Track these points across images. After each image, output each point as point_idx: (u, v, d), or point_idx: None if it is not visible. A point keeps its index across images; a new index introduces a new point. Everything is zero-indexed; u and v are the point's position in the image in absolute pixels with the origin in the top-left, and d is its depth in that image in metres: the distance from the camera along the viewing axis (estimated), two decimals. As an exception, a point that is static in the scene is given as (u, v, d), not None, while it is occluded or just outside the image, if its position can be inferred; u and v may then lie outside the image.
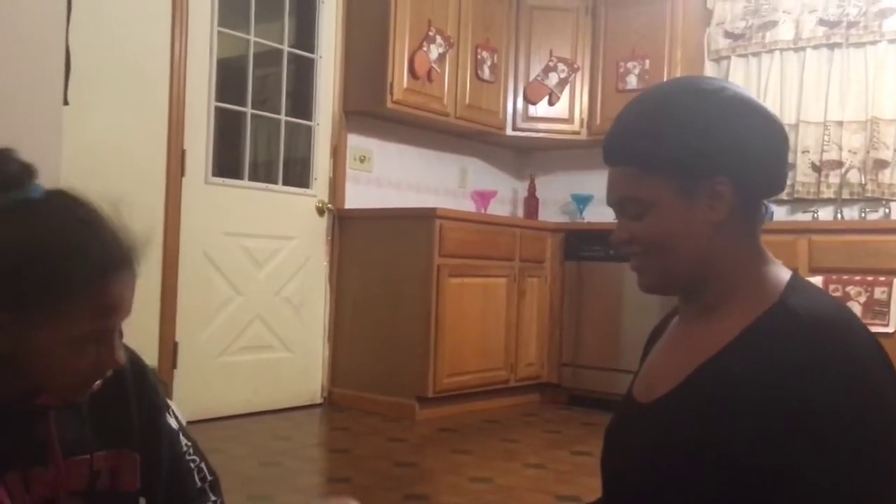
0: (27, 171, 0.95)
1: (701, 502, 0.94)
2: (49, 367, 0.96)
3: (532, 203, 5.44)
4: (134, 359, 1.13)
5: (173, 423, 1.20)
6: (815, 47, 4.59)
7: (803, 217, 4.57)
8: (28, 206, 0.94)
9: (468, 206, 5.13)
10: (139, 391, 1.14)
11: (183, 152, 3.73)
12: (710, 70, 4.93)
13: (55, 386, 1.00)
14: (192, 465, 1.21)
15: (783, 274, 1.05)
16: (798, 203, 4.65)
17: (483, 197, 5.14)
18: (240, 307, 3.96)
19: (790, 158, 4.61)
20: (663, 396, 1.03)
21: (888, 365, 0.95)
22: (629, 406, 1.12)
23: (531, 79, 5.05)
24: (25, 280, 0.91)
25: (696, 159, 1.01)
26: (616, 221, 1.10)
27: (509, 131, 5.06)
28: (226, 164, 4.06)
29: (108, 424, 1.10)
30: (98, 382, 1.02)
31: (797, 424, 0.89)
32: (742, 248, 1.04)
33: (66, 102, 2.00)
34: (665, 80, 4.65)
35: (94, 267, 0.94)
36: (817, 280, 3.94)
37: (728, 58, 4.88)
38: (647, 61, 4.84)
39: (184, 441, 1.21)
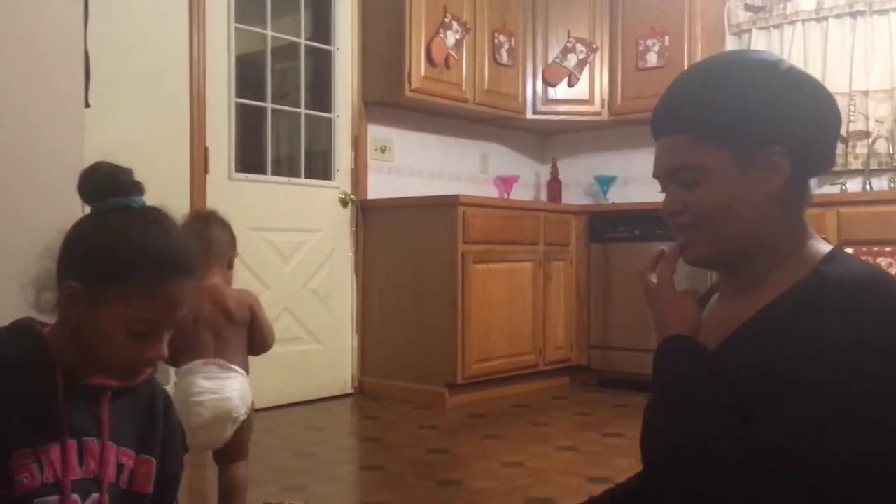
0: (136, 187, 1.17)
1: (739, 472, 0.94)
2: (106, 345, 1.11)
3: (555, 186, 5.42)
4: (165, 392, 1.31)
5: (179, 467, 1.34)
6: (838, 16, 4.51)
7: (831, 189, 4.50)
8: (128, 210, 1.15)
9: (491, 191, 5.13)
10: (167, 415, 1.29)
11: (206, 150, 3.77)
12: (731, 44, 4.87)
13: (108, 364, 1.14)
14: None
15: (824, 247, 1.05)
16: (826, 175, 4.58)
17: (505, 182, 5.13)
18: (268, 301, 3.96)
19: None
20: None
21: None
22: None
23: (549, 61, 5.02)
24: (107, 263, 1.10)
25: (754, 128, 1.00)
26: (664, 197, 1.09)
27: (529, 115, 5.04)
28: (248, 159, 4.09)
29: (138, 429, 1.24)
30: (146, 371, 1.19)
31: (816, 385, 0.89)
32: (790, 221, 1.04)
33: (87, 105, 2.03)
34: (697, 55, 4.62)
35: (162, 267, 1.11)
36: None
37: (749, 31, 4.81)
38: (667, 38, 4.79)
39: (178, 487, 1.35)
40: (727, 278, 1.11)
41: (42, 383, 1.12)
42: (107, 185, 1.15)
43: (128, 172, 1.18)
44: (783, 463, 0.90)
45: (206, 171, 3.76)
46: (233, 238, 2.17)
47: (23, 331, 1.16)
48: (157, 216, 1.15)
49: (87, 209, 1.18)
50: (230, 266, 2.19)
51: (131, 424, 1.23)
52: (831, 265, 0.99)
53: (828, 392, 0.89)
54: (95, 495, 1.16)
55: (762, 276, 1.04)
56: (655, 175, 1.10)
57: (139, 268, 1.09)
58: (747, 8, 4.81)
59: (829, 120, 1.05)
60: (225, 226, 2.16)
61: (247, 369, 2.15)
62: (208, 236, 2.09)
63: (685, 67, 4.86)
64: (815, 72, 4.56)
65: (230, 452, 2.08)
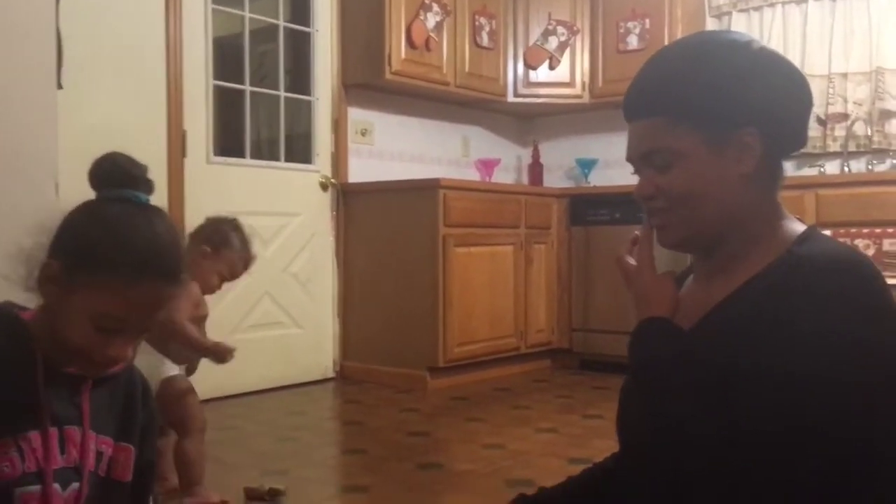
0: (146, 184, 1.16)
1: (713, 453, 0.94)
2: (70, 333, 1.09)
3: (536, 169, 5.42)
4: (143, 379, 1.29)
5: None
6: (818, -1, 4.53)
7: (810, 171, 4.53)
8: (127, 204, 1.13)
9: (472, 175, 5.11)
10: (145, 402, 1.27)
11: (183, 133, 3.72)
12: (711, 25, 4.87)
13: (71, 353, 1.11)
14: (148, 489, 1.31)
15: (798, 227, 1.05)
16: (804, 158, 4.60)
17: (486, 165, 5.12)
18: (248, 285, 3.96)
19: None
20: None
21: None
22: None
23: (531, 43, 5.01)
24: (88, 250, 1.08)
25: (727, 110, 1.00)
26: (637, 179, 1.09)
27: (510, 98, 5.02)
28: (227, 143, 4.05)
29: (117, 417, 1.23)
30: (109, 369, 1.16)
31: (786, 365, 0.89)
32: (764, 202, 1.04)
33: (59, 87, 1.99)
34: (677, 37, 4.61)
35: (142, 268, 1.08)
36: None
37: (729, 13, 4.81)
38: (648, 20, 4.78)
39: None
40: (702, 260, 1.11)
41: (21, 370, 1.10)
42: (115, 176, 1.14)
43: (141, 168, 1.16)
44: (757, 446, 0.90)
45: (183, 154, 3.72)
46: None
47: (1, 316, 1.14)
48: (153, 215, 1.13)
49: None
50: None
51: (110, 412, 1.21)
52: (805, 245, 0.99)
53: (799, 376, 0.89)
54: (76, 484, 1.15)
55: (736, 258, 1.04)
56: (629, 158, 1.09)
57: (118, 263, 1.07)
58: (728, -10, 4.81)
59: (801, 100, 1.06)
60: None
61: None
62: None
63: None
64: (794, 54, 4.57)
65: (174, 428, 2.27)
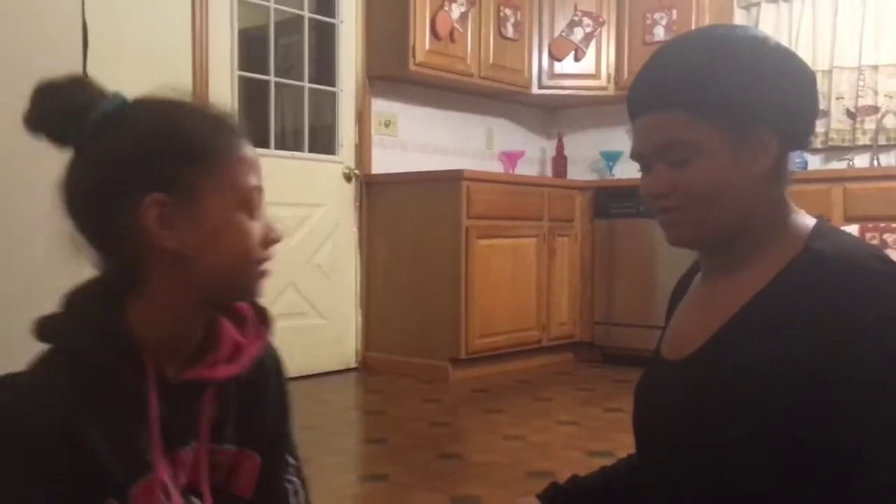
0: (91, 86, 0.95)
1: (743, 454, 0.93)
2: (225, 245, 0.91)
3: (560, 162, 5.39)
4: (273, 351, 1.09)
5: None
6: (849, -11, 4.46)
7: (838, 165, 4.47)
8: (126, 107, 0.94)
9: (495, 167, 5.11)
10: (278, 388, 1.08)
11: (209, 123, 3.75)
12: (739, 17, 4.81)
13: (235, 270, 0.93)
14: (289, 486, 1.11)
15: (808, 221, 1.03)
16: (832, 151, 4.55)
17: (510, 157, 5.11)
18: (272, 275, 3.99)
19: (823, 105, 4.51)
20: (696, 352, 1.02)
21: None
22: (659, 365, 1.11)
23: (556, 35, 4.98)
24: (170, 155, 0.90)
25: (747, 107, 0.98)
26: (642, 175, 1.05)
27: (535, 90, 5.00)
28: (251, 133, 4.03)
29: (242, 420, 1.02)
30: (266, 276, 0.98)
31: (838, 367, 0.87)
32: (775, 199, 1.03)
33: (85, 76, 2.01)
34: (691, 28, 4.57)
35: (222, 130, 0.94)
36: (853, 229, 3.86)
37: (758, 4, 4.75)
38: (675, 11, 4.74)
39: (291, 459, 1.14)
40: (710, 258, 1.08)
41: (129, 396, 0.88)
42: (86, 97, 0.94)
43: (83, 78, 0.97)
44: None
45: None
46: None
47: (99, 318, 0.89)
48: (170, 95, 0.97)
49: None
50: None
51: (231, 416, 1.00)
52: (823, 241, 0.97)
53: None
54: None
55: (749, 255, 1.02)
56: (638, 153, 1.04)
57: (215, 139, 0.92)
58: (756, -19, 4.75)
59: (812, 98, 1.04)
60: None
61: None
62: None
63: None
64: (824, 46, 4.51)
65: None
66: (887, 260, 0.94)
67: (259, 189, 0.95)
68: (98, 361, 0.88)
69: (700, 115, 0.98)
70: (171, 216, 0.88)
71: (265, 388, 1.05)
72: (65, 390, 0.85)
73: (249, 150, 0.96)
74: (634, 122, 1.04)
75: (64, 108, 0.92)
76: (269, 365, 1.06)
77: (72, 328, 0.89)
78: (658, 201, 1.03)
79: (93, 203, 0.90)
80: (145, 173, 0.89)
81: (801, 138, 1.04)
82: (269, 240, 0.96)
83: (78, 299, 0.92)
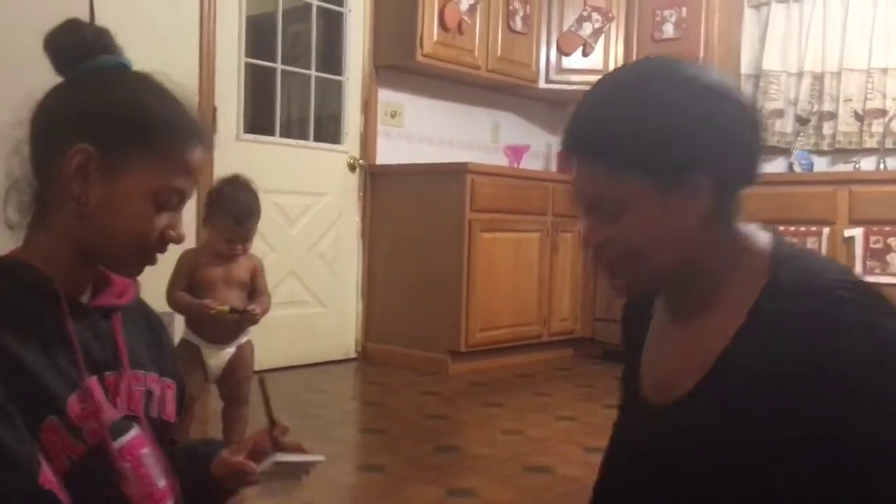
0: (121, 50, 1.02)
1: (747, 494, 0.92)
2: (126, 220, 0.96)
3: (565, 157, 5.36)
4: (153, 310, 1.17)
5: None
6: (860, -9, 4.43)
7: (844, 168, 4.45)
8: (133, 72, 1.01)
9: (500, 160, 5.09)
10: (164, 332, 1.16)
11: (214, 109, 3.74)
12: (749, 17, 4.79)
13: (121, 246, 0.97)
14: None
15: (765, 244, 1.00)
16: (839, 153, 4.53)
17: (515, 151, 5.09)
18: (273, 263, 3.98)
19: (831, 107, 4.49)
20: (686, 395, 0.99)
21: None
22: (643, 409, 1.08)
23: (564, 29, 4.96)
24: (134, 123, 0.95)
25: (674, 156, 0.94)
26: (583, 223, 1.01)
27: (542, 84, 4.99)
28: (257, 120, 4.06)
29: (150, 349, 1.10)
30: (147, 264, 1.02)
31: (831, 400, 0.86)
32: (725, 237, 0.99)
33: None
34: (714, 27, 4.55)
35: (189, 133, 0.98)
36: (857, 232, 3.86)
37: (768, 4, 4.72)
38: (684, 9, 4.72)
39: None
40: (673, 300, 1.05)
41: (47, 321, 0.94)
42: (97, 45, 1.00)
43: (110, 34, 1.03)
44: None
45: (213, 131, 3.74)
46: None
47: (9, 269, 0.95)
48: (164, 81, 1.01)
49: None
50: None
51: (142, 345, 1.08)
52: (785, 271, 0.95)
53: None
54: (129, 434, 0.99)
55: (712, 296, 0.99)
56: (574, 202, 1.01)
57: (170, 130, 0.96)
58: (767, -20, 4.73)
59: (750, 136, 0.99)
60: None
61: None
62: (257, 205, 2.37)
63: (701, 40, 4.74)
64: (833, 48, 4.49)
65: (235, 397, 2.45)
66: (851, 283, 0.92)
67: (180, 193, 0.98)
68: (10, 286, 0.93)
69: (624, 169, 0.94)
70: (90, 170, 0.94)
71: (157, 324, 1.14)
72: None
73: (196, 157, 0.99)
74: (572, 167, 1.01)
75: (75, 44, 0.99)
76: (152, 311, 1.16)
77: None
78: (597, 252, 1.00)
79: (46, 127, 0.97)
80: (93, 125, 0.95)
81: (743, 177, 0.99)
82: (167, 235, 0.99)
83: None
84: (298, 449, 1.11)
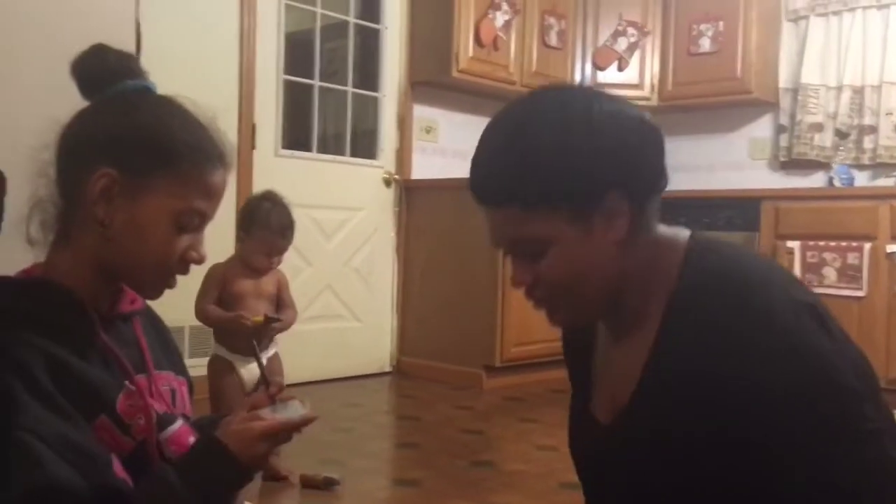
0: (145, 74, 1.05)
1: (693, 499, 0.93)
2: (148, 243, 0.98)
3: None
4: (155, 313, 1.20)
5: None
6: (901, 3, 4.37)
7: (886, 182, 4.38)
8: (156, 96, 1.03)
9: (535, 175, 5.08)
10: (170, 333, 1.20)
11: (253, 126, 3.80)
12: (787, 31, 4.75)
13: (144, 268, 1.00)
14: None
15: (679, 241, 0.99)
16: (880, 168, 4.46)
17: (550, 166, 5.08)
18: (310, 277, 4.04)
19: (871, 121, 4.42)
20: (620, 415, 1.00)
21: (804, 307, 0.89)
22: (590, 424, 1.08)
23: (600, 44, 4.96)
24: (156, 146, 0.97)
25: (582, 185, 0.93)
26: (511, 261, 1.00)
27: (577, 99, 4.97)
28: (295, 136, 4.12)
29: (164, 351, 1.14)
30: (168, 287, 1.04)
31: (746, 403, 0.86)
32: (646, 251, 0.98)
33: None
34: (752, 40, 4.51)
35: (211, 155, 1.01)
36: (900, 247, 3.79)
37: (806, 17, 4.68)
38: (721, 23, 4.69)
39: None
40: (608, 320, 1.05)
41: (84, 336, 0.97)
42: (122, 69, 1.02)
43: (135, 58, 1.07)
44: None
45: (252, 146, 3.80)
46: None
47: (36, 286, 0.98)
48: (189, 104, 1.04)
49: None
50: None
51: (157, 347, 1.12)
52: (691, 273, 0.94)
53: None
54: (175, 426, 1.05)
55: (635, 312, 0.99)
56: (495, 244, 1.00)
57: (192, 152, 0.99)
58: (806, -7, 4.68)
59: (650, 144, 0.98)
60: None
61: None
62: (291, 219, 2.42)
63: (738, 54, 4.69)
64: (874, 61, 4.42)
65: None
66: (755, 282, 0.91)
67: (202, 215, 1.01)
68: (40, 302, 0.96)
69: (533, 208, 0.93)
70: (114, 193, 0.96)
71: (163, 327, 1.18)
72: (28, 325, 0.93)
73: (218, 179, 1.02)
74: (484, 211, 0.99)
75: (101, 69, 1.02)
76: (156, 315, 1.20)
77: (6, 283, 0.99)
78: (527, 292, 0.99)
79: (71, 151, 1.00)
80: (117, 149, 0.97)
81: (654, 186, 0.99)
82: (188, 257, 1.02)
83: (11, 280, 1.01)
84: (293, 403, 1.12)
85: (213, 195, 1.01)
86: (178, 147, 0.98)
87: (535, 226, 0.94)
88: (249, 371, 2.41)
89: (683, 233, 1.01)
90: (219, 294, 2.42)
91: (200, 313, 2.40)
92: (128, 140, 0.98)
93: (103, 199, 0.96)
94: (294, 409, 1.05)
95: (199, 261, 1.03)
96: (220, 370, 2.41)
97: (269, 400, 1.10)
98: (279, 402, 1.08)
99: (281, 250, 2.45)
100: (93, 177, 0.96)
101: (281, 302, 2.52)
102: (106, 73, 1.01)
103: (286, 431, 1.03)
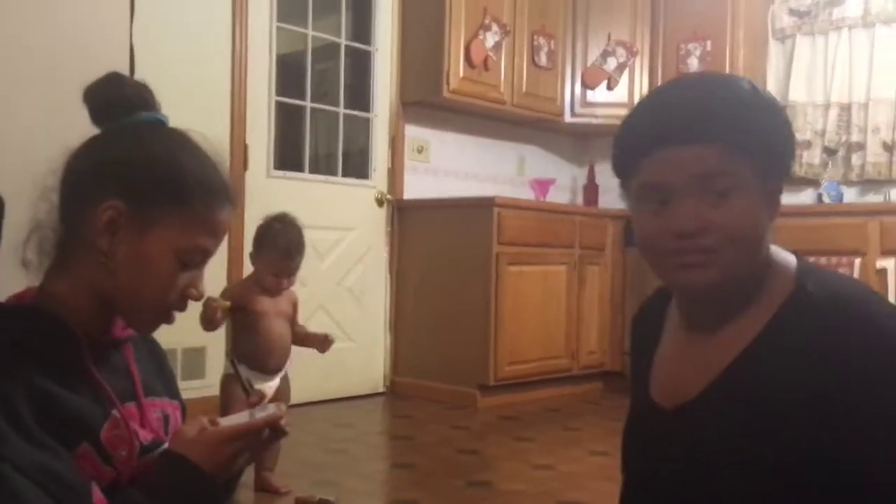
0: (158, 105, 1.04)
1: (752, 500, 0.92)
2: (150, 278, 0.97)
3: (591, 190, 5.38)
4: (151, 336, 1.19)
5: None
6: (886, 23, 4.43)
7: (874, 198, 4.42)
8: (168, 129, 1.02)
9: (527, 194, 5.11)
10: (165, 357, 1.19)
11: (245, 147, 3.81)
12: (774, 50, 4.80)
13: (143, 302, 0.99)
14: None
15: (789, 256, 1.00)
16: (868, 184, 4.50)
17: (541, 185, 5.11)
18: (303, 297, 3.96)
19: (859, 138, 4.47)
20: (694, 400, 0.99)
21: None
22: (652, 412, 1.07)
23: (589, 64, 5.00)
24: (167, 182, 0.97)
25: (776, 153, 0.96)
26: (655, 211, 0.96)
27: (567, 118, 5.02)
28: (287, 157, 4.12)
29: (157, 374, 1.12)
30: (165, 322, 1.04)
31: (837, 417, 0.86)
32: (766, 249, 0.98)
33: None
34: (739, 61, 4.56)
35: (218, 193, 1.00)
36: (890, 262, 3.81)
37: (793, 36, 4.73)
38: (709, 42, 4.74)
39: None
40: (695, 310, 1.03)
41: (71, 362, 0.96)
42: (137, 100, 1.02)
43: (150, 90, 1.05)
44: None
45: (245, 167, 3.80)
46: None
47: (28, 314, 0.97)
48: (198, 140, 1.03)
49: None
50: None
51: (150, 372, 1.11)
52: (811, 281, 0.95)
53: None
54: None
55: (737, 307, 0.98)
56: (664, 183, 0.94)
57: (201, 189, 0.98)
58: (792, 13, 4.74)
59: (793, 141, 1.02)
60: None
61: None
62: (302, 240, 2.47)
63: (726, 72, 4.76)
64: (860, 80, 4.48)
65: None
66: (874, 299, 0.92)
67: (204, 252, 1.00)
68: (31, 329, 0.95)
69: (742, 154, 0.93)
70: (119, 225, 0.96)
71: (158, 350, 1.16)
72: (14, 354, 0.92)
73: (224, 217, 1.01)
74: (656, 153, 0.95)
75: (116, 98, 1.02)
76: (151, 338, 1.17)
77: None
78: (688, 240, 0.93)
79: (78, 178, 0.99)
80: (126, 181, 0.96)
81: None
82: (188, 293, 1.01)
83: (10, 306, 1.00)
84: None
85: (219, 233, 1.01)
86: (189, 183, 0.97)
87: (734, 167, 0.93)
88: (265, 390, 2.41)
89: (786, 251, 1.02)
90: (239, 313, 2.43)
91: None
92: (138, 173, 0.97)
93: (108, 231, 0.95)
94: (269, 412, 1.03)
95: (198, 298, 1.03)
96: (234, 390, 2.40)
97: (249, 407, 1.08)
98: (257, 408, 1.06)
99: (289, 272, 2.48)
100: (99, 208, 0.95)
101: (294, 322, 2.59)
102: (121, 103, 1.01)
103: (252, 430, 0.99)
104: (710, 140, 0.93)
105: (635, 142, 0.98)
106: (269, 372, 2.46)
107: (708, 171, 0.92)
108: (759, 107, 0.96)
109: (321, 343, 2.54)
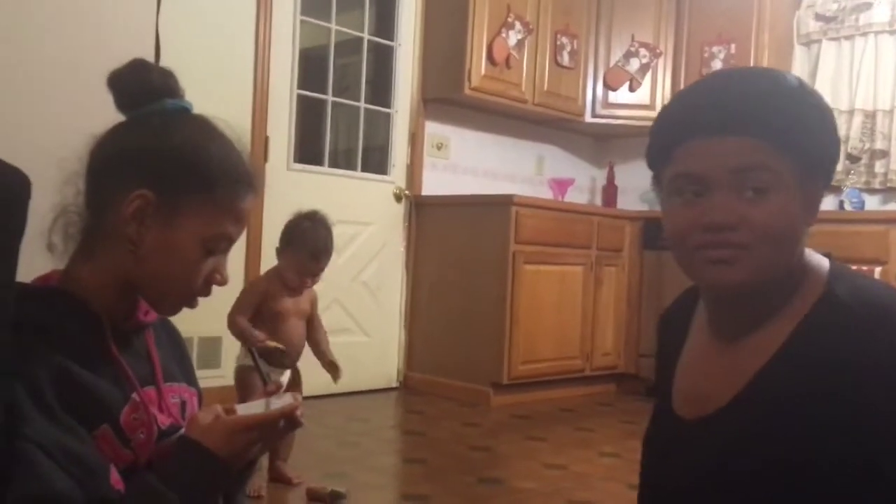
0: (182, 92, 1.04)
1: None
2: (176, 265, 0.99)
3: (610, 191, 5.37)
4: (171, 322, 1.19)
5: None
6: (913, 29, 4.38)
7: (895, 207, 4.37)
8: (194, 117, 1.03)
9: (545, 193, 5.10)
10: (184, 344, 1.20)
11: (266, 139, 3.83)
12: (799, 54, 4.76)
13: (169, 288, 1.01)
14: None
15: (822, 260, 0.98)
16: (891, 192, 4.46)
17: (560, 185, 5.10)
18: (319, 291, 4.03)
19: (883, 145, 4.42)
20: (722, 410, 0.96)
21: None
22: (675, 424, 1.05)
23: (612, 64, 4.98)
24: (194, 170, 0.98)
25: (816, 154, 0.93)
26: (692, 204, 0.93)
27: (588, 118, 5.00)
28: (307, 150, 4.14)
29: (177, 361, 1.14)
30: (189, 306, 1.05)
31: (869, 423, 0.84)
32: (799, 254, 0.96)
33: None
34: (763, 64, 4.52)
35: (243, 181, 1.02)
36: (911, 272, 3.78)
37: (818, 41, 4.70)
38: (733, 45, 4.71)
39: None
40: (722, 316, 1.00)
41: (96, 345, 0.98)
42: (163, 87, 1.02)
43: (175, 77, 1.05)
44: None
45: (265, 160, 3.82)
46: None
47: (54, 297, 0.98)
48: (223, 128, 1.04)
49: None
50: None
51: (170, 358, 1.12)
52: (841, 285, 0.92)
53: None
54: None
55: (766, 316, 0.95)
56: (699, 174, 0.91)
57: (227, 177, 0.99)
58: (818, 18, 4.70)
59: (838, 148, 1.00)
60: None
61: None
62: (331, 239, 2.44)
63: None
64: (885, 85, 4.44)
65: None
66: None
67: (229, 238, 1.02)
68: (56, 312, 0.96)
69: (782, 151, 0.90)
70: (147, 213, 0.97)
71: (178, 337, 1.18)
72: (39, 335, 0.93)
73: (248, 204, 1.03)
74: (692, 141, 0.92)
75: (141, 85, 1.02)
76: (170, 322, 1.18)
77: (26, 291, 0.96)
78: (719, 234, 0.90)
79: (105, 165, 1.00)
80: (154, 169, 0.97)
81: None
82: (212, 279, 1.03)
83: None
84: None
85: (243, 220, 1.03)
86: (215, 172, 0.99)
87: (777, 162, 0.90)
88: (283, 379, 2.45)
89: (819, 254, 0.99)
90: (260, 309, 2.42)
91: (233, 325, 2.40)
92: (165, 162, 0.98)
93: (136, 219, 0.97)
94: (285, 402, 1.03)
95: (222, 283, 1.04)
96: (251, 381, 2.41)
97: (266, 395, 1.08)
98: (273, 397, 1.06)
99: (313, 272, 2.46)
100: (128, 196, 0.96)
101: (312, 319, 2.55)
102: (147, 90, 1.01)
103: (269, 421, 1.00)
104: (749, 133, 0.90)
105: (672, 129, 0.95)
106: (284, 367, 2.48)
107: (745, 164, 0.89)
108: (805, 104, 0.92)
109: (331, 371, 2.53)
